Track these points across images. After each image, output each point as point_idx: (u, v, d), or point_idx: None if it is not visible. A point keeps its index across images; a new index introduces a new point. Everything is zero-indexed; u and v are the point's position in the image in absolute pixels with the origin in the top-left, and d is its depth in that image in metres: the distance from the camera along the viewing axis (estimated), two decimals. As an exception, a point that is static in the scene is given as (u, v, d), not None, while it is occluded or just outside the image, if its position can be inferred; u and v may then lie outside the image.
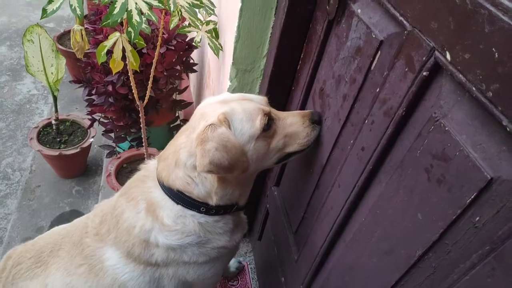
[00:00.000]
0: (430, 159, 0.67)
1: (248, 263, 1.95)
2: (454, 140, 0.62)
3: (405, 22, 0.72)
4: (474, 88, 0.57)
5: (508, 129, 0.52)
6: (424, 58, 0.67)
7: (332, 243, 1.08)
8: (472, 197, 0.59)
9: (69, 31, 3.25)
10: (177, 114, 2.43)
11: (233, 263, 1.89)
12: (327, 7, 0.99)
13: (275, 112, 1.08)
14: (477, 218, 0.59)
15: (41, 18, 1.17)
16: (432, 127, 0.67)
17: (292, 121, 1.07)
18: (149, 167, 1.17)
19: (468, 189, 0.60)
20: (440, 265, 0.67)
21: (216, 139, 0.95)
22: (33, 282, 1.14)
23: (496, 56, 0.53)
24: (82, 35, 1.30)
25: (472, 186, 0.59)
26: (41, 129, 2.44)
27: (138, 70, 1.45)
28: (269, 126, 1.02)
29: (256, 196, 1.83)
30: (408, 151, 0.73)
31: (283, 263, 1.49)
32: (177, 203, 1.07)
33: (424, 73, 0.68)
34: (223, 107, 1.02)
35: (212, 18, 1.50)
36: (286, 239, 1.43)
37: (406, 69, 0.72)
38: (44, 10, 1.14)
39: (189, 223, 1.07)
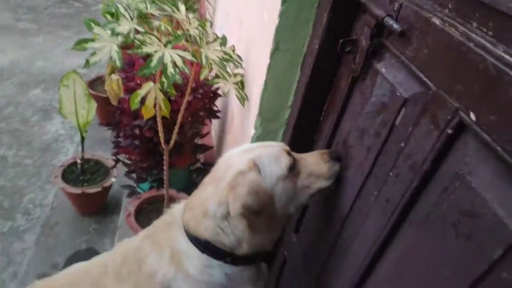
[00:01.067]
0: (458, 214, 0.68)
1: (263, 313, 1.89)
2: (481, 197, 0.64)
3: (429, 83, 0.77)
4: (499, 148, 0.60)
5: (534, 189, 0.55)
6: (448, 117, 0.71)
7: (354, 296, 1.06)
8: (500, 253, 0.60)
9: (100, 77, 3.44)
10: (197, 157, 2.50)
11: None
12: (352, 65, 1.06)
13: (295, 154, 1.13)
14: (505, 274, 0.60)
15: (84, 68, 1.27)
16: (458, 183, 0.69)
17: (314, 160, 1.12)
18: (174, 212, 1.19)
19: (497, 245, 0.61)
20: (470, 323, 0.66)
21: (247, 185, 0.99)
22: None
23: (520, 119, 0.56)
24: (118, 84, 1.39)
25: (500, 242, 0.60)
26: (66, 168, 2.52)
27: (168, 117, 1.52)
28: (293, 166, 1.07)
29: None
30: (434, 206, 0.75)
31: (301, 315, 1.45)
32: (203, 252, 1.07)
33: (449, 131, 0.71)
34: (249, 155, 1.07)
35: (239, 70, 1.59)
36: (305, 290, 1.41)
37: (431, 127, 0.76)
38: (87, 62, 1.23)
39: (216, 274, 1.07)
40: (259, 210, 1.00)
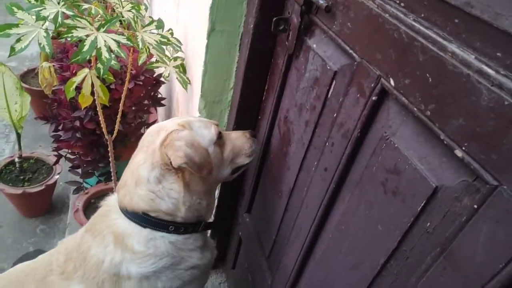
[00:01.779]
0: (385, 173, 0.74)
1: (222, 294, 1.93)
2: (403, 155, 0.70)
3: (354, 54, 0.82)
4: (415, 109, 0.66)
5: (445, 142, 0.61)
6: (372, 85, 0.76)
7: (303, 263, 1.12)
8: (422, 204, 0.66)
9: (33, 69, 3.23)
10: (145, 148, 2.44)
11: (207, 295, 1.87)
12: (287, 43, 1.09)
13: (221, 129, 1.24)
14: (428, 224, 0.66)
15: (9, 56, 1.18)
16: (384, 145, 0.75)
17: (236, 135, 1.25)
18: (110, 201, 1.18)
19: (418, 198, 0.67)
20: (401, 271, 0.73)
21: (183, 138, 1.05)
22: None
23: (430, 80, 0.62)
24: (50, 72, 1.32)
25: (421, 195, 0.66)
26: (3, 168, 2.37)
27: (107, 105, 1.48)
28: (220, 136, 1.16)
29: (228, 224, 1.84)
30: (366, 168, 0.81)
31: (257, 290, 1.50)
32: (145, 227, 1.07)
33: (373, 98, 0.76)
34: (178, 120, 1.13)
35: (179, 54, 1.57)
36: (259, 265, 1.46)
37: (358, 95, 0.81)
38: (12, 48, 1.15)
39: (160, 244, 1.07)
40: (199, 163, 1.05)
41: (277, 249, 1.33)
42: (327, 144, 0.94)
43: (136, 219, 1.07)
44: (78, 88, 1.34)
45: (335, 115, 0.90)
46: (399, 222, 0.72)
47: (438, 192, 0.64)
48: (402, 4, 0.68)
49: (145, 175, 1.05)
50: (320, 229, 1.02)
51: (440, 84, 0.61)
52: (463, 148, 0.58)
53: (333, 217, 0.96)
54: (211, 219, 1.26)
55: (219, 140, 1.16)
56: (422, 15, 0.64)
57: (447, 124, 0.60)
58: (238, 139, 1.24)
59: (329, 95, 0.93)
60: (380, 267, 0.78)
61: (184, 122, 1.11)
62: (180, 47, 1.46)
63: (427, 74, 0.63)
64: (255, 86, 1.35)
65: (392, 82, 0.70)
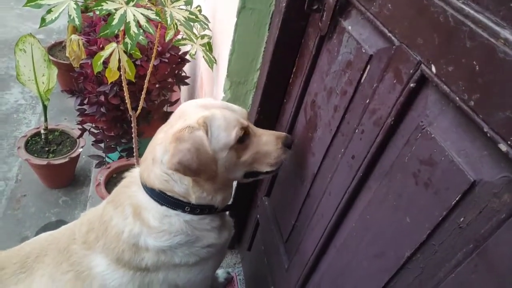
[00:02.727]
0: (418, 164, 0.72)
1: (237, 274, 1.95)
2: (440, 146, 0.67)
3: (393, 38, 0.78)
4: (457, 98, 0.63)
5: (488, 134, 0.57)
6: (411, 71, 0.72)
7: (323, 249, 1.11)
8: (457, 199, 0.64)
9: (60, 43, 3.27)
10: (167, 126, 2.46)
11: (221, 274, 1.89)
12: (320, 23, 1.05)
13: (252, 127, 1.11)
14: (462, 219, 0.64)
15: (40, 27, 1.19)
16: (419, 134, 0.71)
17: (267, 140, 1.11)
18: (134, 173, 1.19)
19: (453, 191, 0.64)
20: (428, 265, 0.71)
21: (192, 141, 0.99)
22: (17, 287, 1.14)
23: (477, 68, 0.58)
24: (79, 45, 1.33)
25: (456, 189, 0.63)
26: (29, 138, 2.43)
27: (133, 80, 1.48)
28: (243, 140, 1.06)
29: (246, 207, 1.85)
30: (397, 158, 0.78)
31: (273, 272, 1.51)
32: (162, 204, 1.08)
33: (411, 85, 0.73)
34: (204, 112, 1.05)
35: (207, 32, 1.55)
36: (276, 248, 1.45)
37: (395, 81, 0.77)
38: (43, 19, 1.16)
39: (174, 222, 1.09)
40: (197, 170, 1.00)
41: (296, 234, 1.32)
42: (356, 131, 0.91)
43: (153, 195, 1.09)
44: (105, 63, 1.34)
45: (367, 101, 0.87)
46: (430, 215, 0.69)
47: (475, 186, 0.61)
48: (451, -14, 0.64)
49: (159, 156, 1.06)
50: (343, 217, 1.00)
51: (487, 73, 0.57)
52: (509, 142, 0.54)
53: (358, 206, 0.94)
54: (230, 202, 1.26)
55: (240, 144, 1.06)
56: (473, -3, 0.60)
57: (492, 115, 0.56)
58: (267, 145, 1.10)
59: (362, 80, 0.90)
60: (405, 259, 0.76)
61: (206, 118, 1.02)
62: (207, 25, 1.44)
63: (474, 62, 0.59)
64: (282, 68, 1.32)
65: (433, 68, 0.67)
